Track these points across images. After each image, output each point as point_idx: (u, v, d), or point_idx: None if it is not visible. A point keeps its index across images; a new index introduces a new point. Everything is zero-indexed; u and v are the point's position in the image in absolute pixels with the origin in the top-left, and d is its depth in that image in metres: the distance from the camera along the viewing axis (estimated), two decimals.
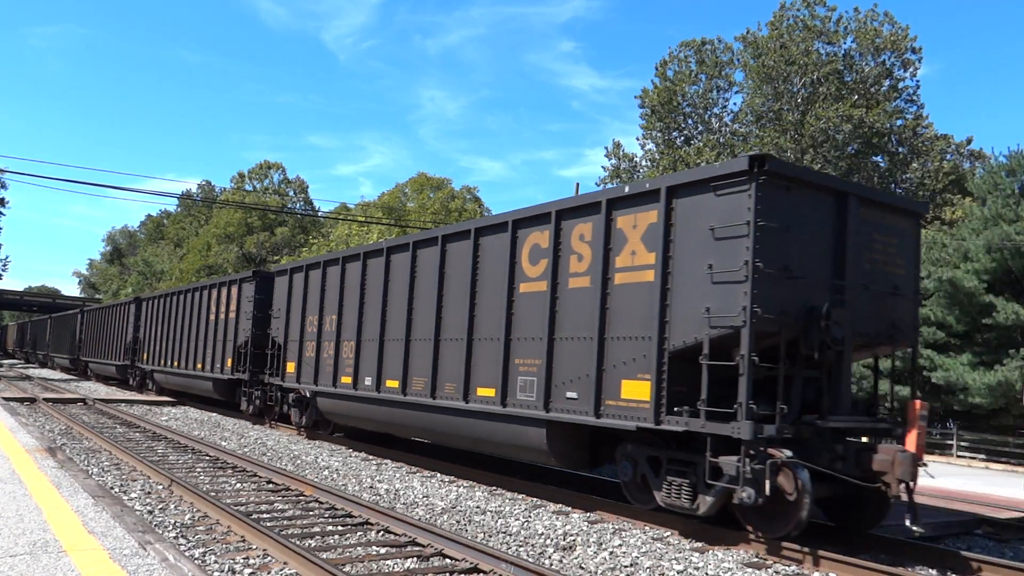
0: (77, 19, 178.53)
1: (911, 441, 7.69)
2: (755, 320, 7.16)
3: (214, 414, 22.55)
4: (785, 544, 7.68)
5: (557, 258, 9.55)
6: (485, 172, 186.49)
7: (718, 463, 7.38)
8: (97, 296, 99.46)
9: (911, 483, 7.41)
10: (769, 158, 7.13)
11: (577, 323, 9.11)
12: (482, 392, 10.61)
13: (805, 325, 7.58)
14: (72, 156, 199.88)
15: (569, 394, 9.07)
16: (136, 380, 30.70)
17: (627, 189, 8.73)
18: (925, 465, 7.78)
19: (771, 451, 7.15)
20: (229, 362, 20.84)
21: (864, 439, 8.12)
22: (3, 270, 70.40)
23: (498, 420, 10.19)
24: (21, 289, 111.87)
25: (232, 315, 21.00)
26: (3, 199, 69.06)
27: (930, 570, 7.54)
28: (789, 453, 7.18)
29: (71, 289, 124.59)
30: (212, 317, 22.55)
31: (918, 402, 7.72)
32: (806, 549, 7.48)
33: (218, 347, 21.79)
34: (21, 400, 23.61)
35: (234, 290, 21.21)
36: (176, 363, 25.40)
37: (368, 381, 13.58)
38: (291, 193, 67.11)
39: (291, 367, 17.19)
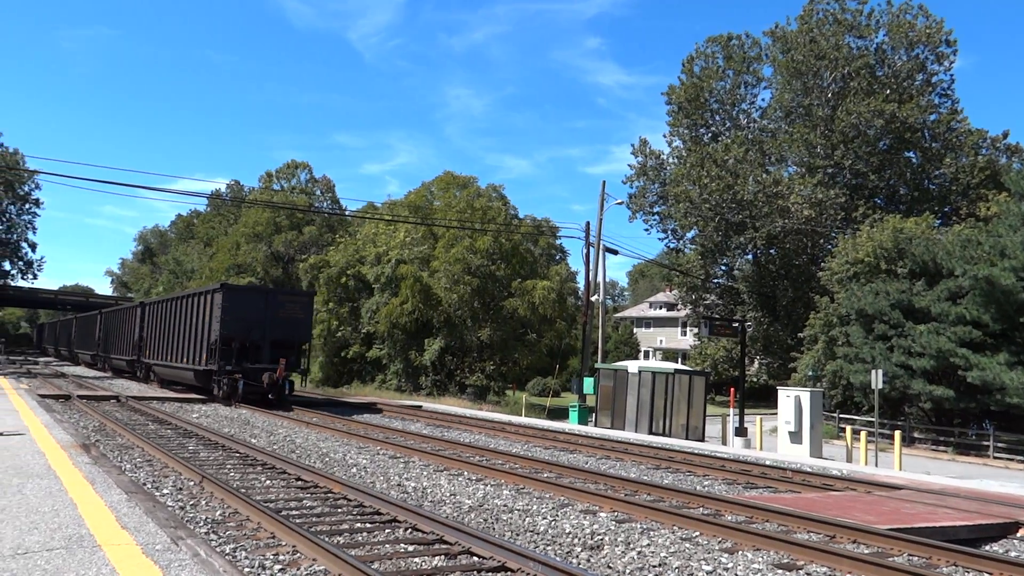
0: (107, 21, 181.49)
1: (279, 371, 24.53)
2: (225, 333, 24.38)
3: (243, 411, 22.96)
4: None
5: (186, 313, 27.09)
6: (511, 170, 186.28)
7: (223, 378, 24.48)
8: (129, 295, 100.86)
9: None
10: (225, 285, 24.59)
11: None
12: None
13: (244, 335, 24.35)
14: (103, 157, 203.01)
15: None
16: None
17: (196, 289, 26.38)
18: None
19: (234, 375, 24.23)
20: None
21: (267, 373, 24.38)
22: (38, 270, 72.20)
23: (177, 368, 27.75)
24: (56, 288, 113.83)
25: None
26: (38, 200, 70.16)
27: (967, 574, 7.41)
28: (238, 375, 24.29)
29: (104, 288, 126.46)
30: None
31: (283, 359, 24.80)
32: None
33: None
34: (56, 397, 24.17)
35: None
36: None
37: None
38: (318, 192, 67.67)
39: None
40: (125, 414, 20.78)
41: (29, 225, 71.01)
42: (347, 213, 58.89)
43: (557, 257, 56.34)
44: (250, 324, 25.43)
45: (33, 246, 71.77)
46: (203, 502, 9.08)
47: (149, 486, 9.90)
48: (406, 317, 40.00)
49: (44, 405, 20.08)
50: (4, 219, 70.18)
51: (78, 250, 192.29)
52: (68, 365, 55.76)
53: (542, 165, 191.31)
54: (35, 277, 72.42)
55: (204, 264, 65.50)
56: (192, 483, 10.27)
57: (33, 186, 68.85)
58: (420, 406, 28.71)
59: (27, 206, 70.26)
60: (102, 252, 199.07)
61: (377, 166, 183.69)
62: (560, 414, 33.49)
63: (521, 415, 30.29)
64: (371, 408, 27.39)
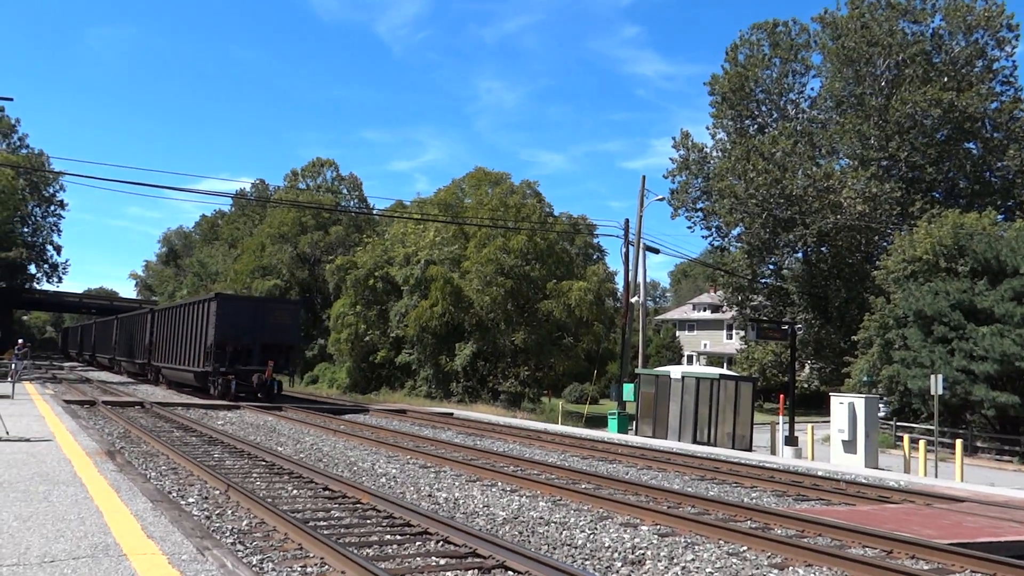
0: (132, 18, 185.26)
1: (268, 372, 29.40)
2: (219, 338, 29.07)
3: (269, 418, 23.21)
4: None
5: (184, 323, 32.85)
6: (545, 165, 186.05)
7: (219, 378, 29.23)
8: (153, 298, 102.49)
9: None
10: (219, 295, 30.28)
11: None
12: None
13: (236, 340, 29.17)
14: (128, 157, 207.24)
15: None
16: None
17: (194, 298, 33.08)
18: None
19: (228, 376, 29.00)
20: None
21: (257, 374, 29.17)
22: (63, 273, 73.59)
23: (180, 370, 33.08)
24: (80, 292, 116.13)
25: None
26: (62, 201, 71.75)
27: None
28: (231, 376, 29.00)
29: (128, 291, 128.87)
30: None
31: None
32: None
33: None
34: (81, 403, 24.73)
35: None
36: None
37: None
38: (344, 191, 68.33)
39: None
40: (150, 420, 21.13)
41: (54, 228, 72.48)
42: (375, 212, 59.37)
43: (594, 256, 56.14)
44: (242, 330, 29.87)
45: (58, 249, 73.39)
46: (229, 511, 9.19)
47: (175, 495, 10.05)
48: (436, 320, 40.12)
49: (70, 411, 20.58)
50: (30, 222, 71.63)
51: (103, 253, 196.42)
52: (92, 370, 56.92)
53: (578, 160, 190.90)
54: (60, 280, 73.85)
55: (229, 266, 66.45)
56: (218, 492, 10.40)
57: (58, 188, 70.24)
58: (451, 413, 28.75)
59: (52, 208, 71.69)
60: (126, 254, 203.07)
61: (406, 163, 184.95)
62: (598, 422, 33.56)
63: (557, 423, 30.11)
64: (398, 414, 27.50)
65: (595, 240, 56.39)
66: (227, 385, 29.49)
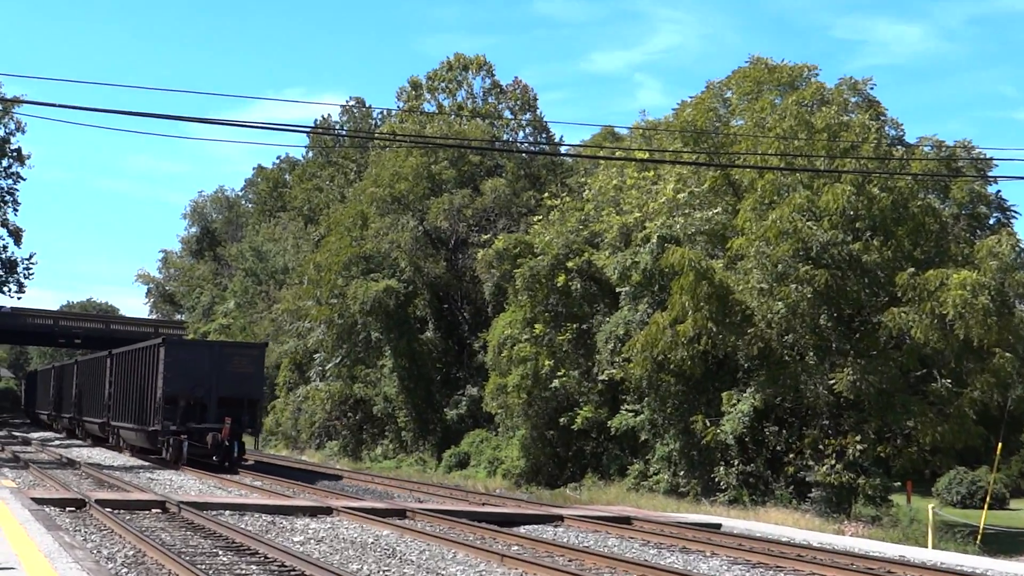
0: None
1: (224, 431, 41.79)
2: (169, 391, 43.30)
3: (384, 531, 23.29)
4: None
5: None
6: (888, 48, 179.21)
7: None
8: (178, 316, 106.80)
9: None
10: (167, 340, 47.74)
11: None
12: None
13: (189, 393, 43.22)
14: (128, 73, 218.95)
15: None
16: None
17: (142, 344, 51.66)
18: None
19: (180, 435, 42.54)
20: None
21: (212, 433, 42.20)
22: (27, 277, 73.47)
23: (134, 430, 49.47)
24: (57, 308, 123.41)
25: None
26: (21, 153, 74.02)
27: None
28: (183, 435, 42.36)
29: (137, 304, 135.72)
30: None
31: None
32: None
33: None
34: (62, 504, 26.06)
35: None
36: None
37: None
38: (507, 112, 67.80)
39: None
40: (177, 534, 22.27)
41: (7, 198, 73.61)
42: (563, 151, 58.27)
43: (991, 221, 52.30)
44: (195, 380, 41.19)
45: (16, 235, 73.22)
46: None
47: None
48: (683, 349, 38.76)
49: (43, 518, 21.34)
50: None
51: (92, 241, 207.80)
52: (78, 443, 59.81)
53: (954, 34, 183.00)
54: (20, 289, 74.07)
55: (307, 258, 67.64)
56: None
57: (13, 127, 71.92)
58: (718, 525, 29.31)
59: (2, 163, 72.90)
60: (130, 242, 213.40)
61: (619, 55, 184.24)
62: (1010, 544, 32.57)
63: (927, 545, 29.76)
64: (618, 526, 27.42)
65: (992, 190, 52.39)
66: (179, 447, 41.03)
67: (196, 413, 40.45)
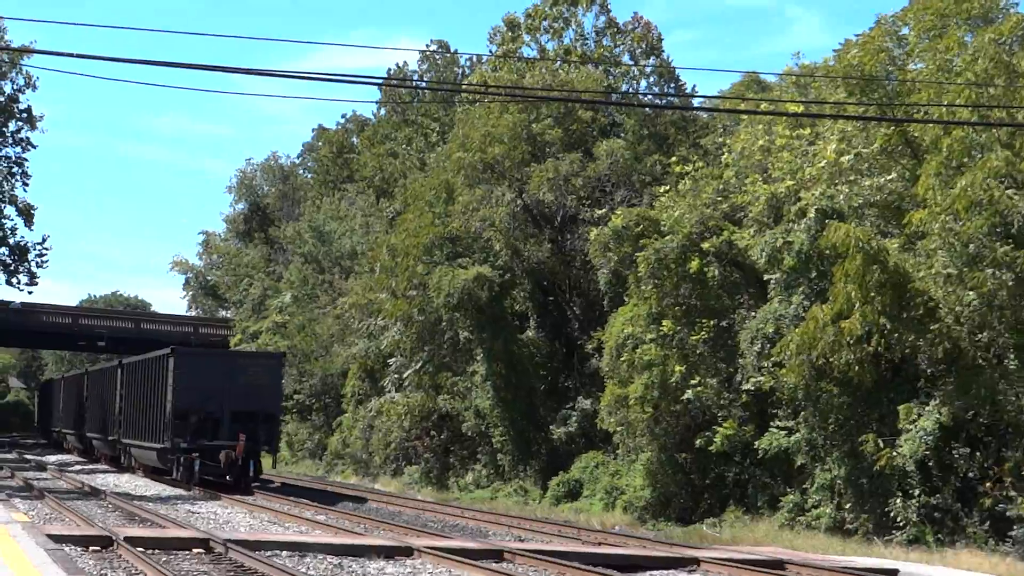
0: None
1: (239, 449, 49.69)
2: (179, 405, 50.93)
3: None
4: None
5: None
6: None
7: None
8: (222, 312, 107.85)
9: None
10: (176, 349, 53.32)
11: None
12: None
13: (200, 407, 50.61)
14: (159, 16, 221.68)
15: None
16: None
17: (148, 356, 58.77)
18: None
19: (191, 453, 50.10)
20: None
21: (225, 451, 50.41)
22: (38, 267, 73.54)
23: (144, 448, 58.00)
24: (77, 304, 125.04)
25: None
26: (31, 113, 74.86)
27: None
28: (195, 453, 49.47)
29: (172, 298, 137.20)
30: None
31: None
32: None
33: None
34: (85, 542, 26.51)
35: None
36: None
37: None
38: (627, 58, 67.59)
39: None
40: None
41: (15, 170, 74.33)
42: (696, 104, 57.93)
43: None
44: (207, 394, 46.69)
45: (27, 213, 74.49)
46: None
47: None
48: (848, 352, 38.54)
49: (62, 559, 21.70)
50: None
51: (118, 221, 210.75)
52: (103, 468, 61.01)
53: None
54: (33, 280, 74.64)
55: (378, 240, 67.96)
56: None
57: (22, 82, 72.88)
58: (895, 571, 29.88)
59: (10, 126, 73.89)
60: (163, 222, 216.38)
61: None
62: None
63: None
64: (768, 567, 27.80)
65: None
66: (190, 466, 46.49)
67: (208, 429, 46.38)
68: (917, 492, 38.78)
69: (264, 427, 48.46)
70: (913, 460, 38.56)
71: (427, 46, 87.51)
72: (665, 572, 27.53)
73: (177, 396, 45.59)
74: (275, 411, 49.67)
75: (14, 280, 71.94)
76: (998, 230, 37.97)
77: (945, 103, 40.66)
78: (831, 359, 39.09)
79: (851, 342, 38.77)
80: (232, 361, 51.16)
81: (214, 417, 46.35)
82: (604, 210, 53.72)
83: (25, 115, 71.37)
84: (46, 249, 73.64)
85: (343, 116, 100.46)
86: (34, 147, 72.91)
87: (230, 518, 36.82)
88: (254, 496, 43.07)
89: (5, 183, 71.87)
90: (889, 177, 42.20)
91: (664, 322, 45.61)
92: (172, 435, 45.52)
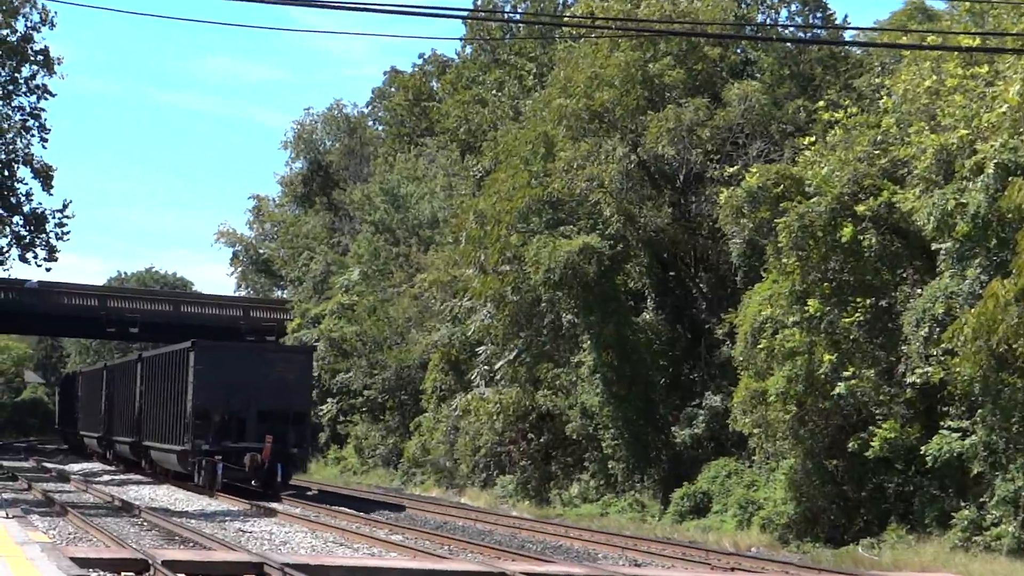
0: None
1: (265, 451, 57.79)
2: (200, 404, 58.49)
3: None
4: None
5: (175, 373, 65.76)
6: None
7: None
8: (277, 292, 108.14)
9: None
10: (197, 343, 60.24)
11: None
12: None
13: (224, 406, 57.73)
14: None
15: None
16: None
17: (168, 349, 69.21)
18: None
19: (213, 456, 56.99)
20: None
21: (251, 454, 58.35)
22: (59, 239, 71.86)
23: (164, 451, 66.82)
24: (103, 283, 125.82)
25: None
26: (47, 55, 73.96)
27: None
28: (218, 456, 56.01)
29: (215, 273, 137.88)
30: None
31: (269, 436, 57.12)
32: None
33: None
34: (115, 567, 26.75)
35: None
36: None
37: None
38: None
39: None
40: None
41: (30, 122, 74.19)
42: (847, 37, 57.67)
43: None
44: (232, 391, 50.07)
45: (45, 175, 73.85)
46: None
47: None
48: None
49: None
50: None
51: (152, 184, 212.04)
52: (136, 478, 61.85)
53: None
54: (52, 254, 73.35)
55: (464, 205, 68.02)
56: None
57: (37, 18, 72.67)
58: None
59: (24, 71, 73.57)
60: (208, 184, 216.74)
61: None
62: None
63: None
64: None
65: None
66: (212, 470, 49.91)
67: (232, 430, 50.05)
68: None
69: (294, 428, 51.36)
70: None
71: None
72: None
73: (198, 393, 49.16)
74: (305, 410, 53.42)
75: (30, 255, 71.07)
76: None
77: None
78: (1015, 345, 38.65)
79: None
80: (259, 355, 53.57)
81: (239, 417, 49.89)
82: (736, 167, 53.46)
83: (41, 58, 71.37)
84: (67, 218, 72.67)
85: (421, 56, 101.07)
86: (52, 95, 72.89)
87: (288, 538, 37.16)
88: (299, 507, 44.94)
89: (19, 139, 71.47)
90: None
91: (810, 302, 45.33)
92: (192, 436, 49.04)
